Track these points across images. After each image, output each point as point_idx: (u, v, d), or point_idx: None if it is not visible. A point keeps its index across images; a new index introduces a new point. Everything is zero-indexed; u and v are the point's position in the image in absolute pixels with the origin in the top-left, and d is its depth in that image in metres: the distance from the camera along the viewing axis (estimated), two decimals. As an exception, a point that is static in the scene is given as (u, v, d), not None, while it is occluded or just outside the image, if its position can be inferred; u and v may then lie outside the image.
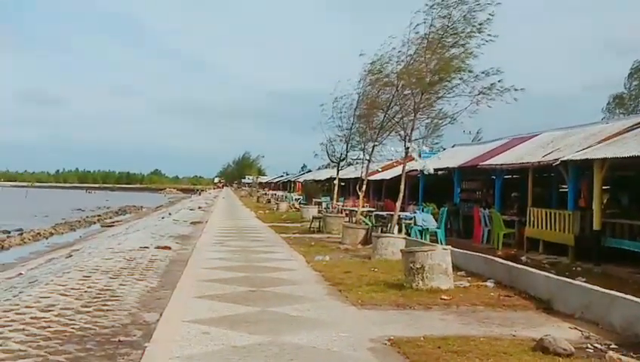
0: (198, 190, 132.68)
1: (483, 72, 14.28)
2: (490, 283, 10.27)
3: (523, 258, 14.15)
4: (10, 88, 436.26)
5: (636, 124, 15.38)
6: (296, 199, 47.99)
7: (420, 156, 23.40)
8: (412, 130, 15.61)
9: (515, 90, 13.99)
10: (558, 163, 14.84)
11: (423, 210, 20.10)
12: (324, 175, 48.07)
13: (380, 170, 27.21)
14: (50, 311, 7.95)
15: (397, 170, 23.52)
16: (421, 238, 16.71)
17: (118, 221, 40.83)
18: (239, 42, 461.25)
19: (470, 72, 14.45)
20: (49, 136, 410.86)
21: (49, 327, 7.06)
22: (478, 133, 54.24)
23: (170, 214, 36.72)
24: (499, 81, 14.08)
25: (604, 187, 15.21)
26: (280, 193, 64.21)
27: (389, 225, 15.55)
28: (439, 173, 22.37)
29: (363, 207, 21.84)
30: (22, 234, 28.40)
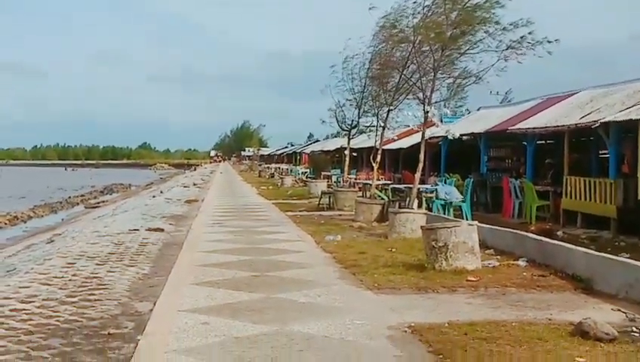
0: (192, 165, 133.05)
1: (511, 24, 14.14)
2: (522, 262, 10.28)
3: (559, 233, 14.14)
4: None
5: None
6: (302, 173, 48.10)
7: (441, 121, 23.35)
8: (432, 91, 15.53)
9: (549, 42, 13.86)
10: (597, 125, 14.73)
11: (445, 182, 20.05)
12: (333, 145, 48.09)
13: (396, 138, 27.08)
14: (31, 302, 8.02)
15: (415, 138, 23.51)
16: (444, 213, 16.73)
17: (104, 201, 40.97)
18: (237, 1, 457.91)
19: (497, 23, 14.32)
20: (25, 109, 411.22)
21: (30, 320, 7.12)
22: (507, 93, 54.05)
23: (161, 192, 36.87)
24: (529, 33, 13.94)
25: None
26: (284, 166, 64.31)
27: (408, 199, 15.54)
28: (464, 138, 22.29)
29: (378, 179, 21.83)
30: (-3, 218, 28.53)
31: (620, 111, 14.47)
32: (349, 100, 24.42)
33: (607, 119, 14.45)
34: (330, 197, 23.15)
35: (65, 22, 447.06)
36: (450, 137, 20.02)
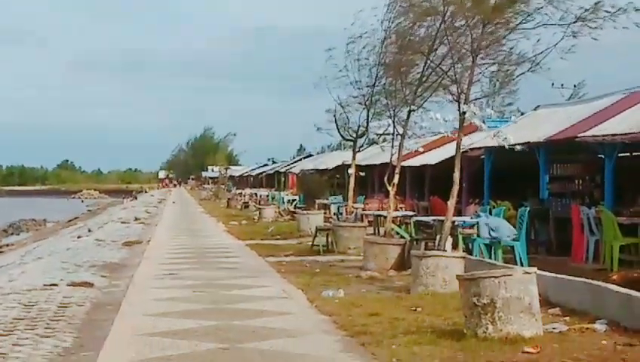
0: (134, 191, 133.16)
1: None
2: (600, 326, 10.27)
3: (653, 283, 14.15)
4: None
5: None
6: (289, 201, 48.18)
7: (484, 124, 23.42)
8: (470, 83, 15.58)
9: (636, 10, 13.92)
10: None
11: (491, 212, 20.07)
12: (332, 161, 48.24)
13: (421, 149, 27.17)
14: None
15: (448, 150, 23.53)
16: (489, 257, 16.71)
17: (8, 245, 40.91)
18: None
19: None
20: None
21: None
22: (577, 87, 54.23)
23: (90, 231, 36.83)
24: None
25: None
26: (263, 192, 64.41)
27: (438, 237, 15.56)
28: (516, 149, 22.37)
29: (396, 209, 21.86)
30: None
31: None
32: (355, 98, 24.48)
33: None
34: (328, 236, 23.14)
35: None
36: (502, 144, 19.89)
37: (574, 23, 14.27)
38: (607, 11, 13.97)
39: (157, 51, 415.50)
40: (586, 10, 14.13)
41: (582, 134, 19.65)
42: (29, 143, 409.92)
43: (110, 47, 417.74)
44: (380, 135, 25.67)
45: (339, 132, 27.09)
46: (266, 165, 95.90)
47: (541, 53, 15.02)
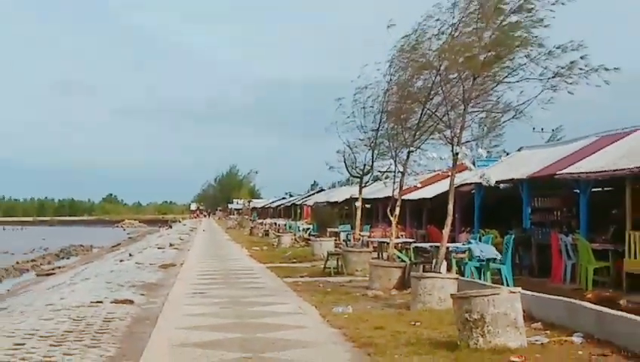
0: (168, 221, 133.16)
1: (559, 47, 14.20)
2: (577, 338, 10.22)
3: (622, 301, 14.05)
4: None
5: None
6: (304, 229, 48.11)
7: (474, 164, 23.47)
8: (462, 128, 15.57)
9: (606, 69, 13.87)
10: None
11: (480, 239, 20.01)
12: (341, 195, 48.25)
13: (419, 185, 27.16)
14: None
15: (443, 185, 23.50)
16: (479, 278, 16.66)
17: (59, 267, 40.88)
18: (222, 20, 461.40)
19: (540, 46, 14.39)
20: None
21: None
22: (555, 131, 54.27)
23: (131, 255, 36.80)
24: (582, 58, 13.97)
25: None
26: (281, 222, 64.35)
27: (435, 261, 15.51)
28: (501, 186, 22.34)
29: (397, 237, 21.82)
30: None
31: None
32: (361, 140, 24.49)
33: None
34: (338, 260, 23.08)
35: (8, 48, 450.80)
36: (485, 184, 20.04)
37: (552, 78, 14.29)
38: (581, 69, 14.00)
39: (187, 99, 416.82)
40: (562, 67, 14.17)
41: (560, 172, 19.66)
42: (79, 180, 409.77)
43: (144, 96, 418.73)
44: (383, 172, 25.72)
45: (347, 170, 27.08)
46: (284, 198, 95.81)
47: (524, 103, 15.03)
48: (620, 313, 10.58)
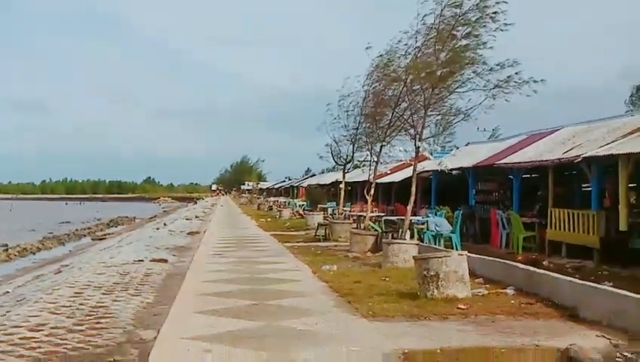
0: (194, 198, 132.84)
1: (498, 64, 14.21)
2: (510, 291, 10.25)
3: (545, 262, 14.12)
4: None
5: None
6: (299, 205, 48.08)
7: (432, 155, 23.48)
8: (422, 127, 15.60)
9: (535, 82, 13.88)
10: (580, 160, 14.81)
11: (436, 214, 20.06)
12: (329, 179, 48.17)
13: (388, 171, 27.21)
14: (40, 330, 7.97)
15: (407, 172, 23.59)
16: (435, 244, 16.72)
17: (109, 233, 40.85)
18: (240, 41, 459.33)
19: (484, 63, 14.39)
20: (35, 146, 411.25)
21: (39, 348, 7.07)
22: (494, 130, 54.21)
23: (165, 225, 36.76)
24: (516, 73, 13.98)
25: (630, 185, 15.16)
26: (282, 199, 64.34)
27: (400, 230, 15.55)
28: (453, 172, 22.38)
29: (371, 212, 21.82)
30: (7, 249, 28.41)
31: (601, 147, 14.56)
32: (344, 136, 24.49)
33: (588, 154, 14.53)
34: (326, 229, 23.12)
35: (74, 63, 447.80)
36: (443, 168, 20.08)
37: (493, 89, 14.31)
38: (515, 82, 14.01)
39: (210, 103, 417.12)
40: (501, 81, 14.19)
41: (498, 162, 19.71)
42: (126, 165, 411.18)
43: (176, 101, 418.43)
44: (361, 162, 25.68)
45: (334, 159, 27.01)
46: (284, 181, 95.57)
47: (471, 108, 15.15)
48: (543, 271, 10.63)
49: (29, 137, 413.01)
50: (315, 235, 23.19)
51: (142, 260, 15.95)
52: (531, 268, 10.83)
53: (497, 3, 13.85)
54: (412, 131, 16.13)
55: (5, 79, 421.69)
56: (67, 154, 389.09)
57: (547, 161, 16.74)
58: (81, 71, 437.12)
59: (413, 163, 16.23)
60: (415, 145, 15.80)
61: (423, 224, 18.43)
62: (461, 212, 19.04)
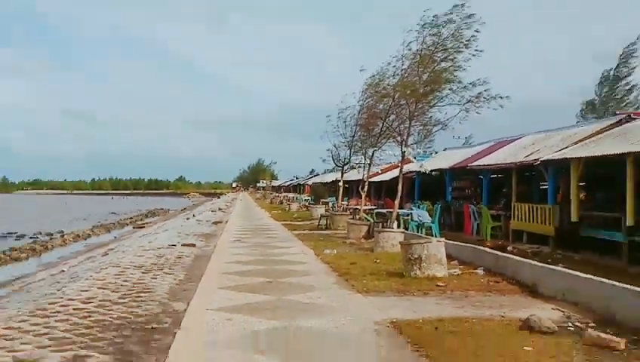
0: (218, 194, 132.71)
1: (470, 83, 14.19)
2: (480, 271, 10.27)
3: (509, 248, 14.10)
4: (52, 108, 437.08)
5: (607, 127, 15.36)
6: (305, 200, 48.08)
7: (415, 158, 23.46)
8: (407, 135, 15.61)
9: (501, 98, 13.89)
10: (538, 163, 14.82)
11: (418, 207, 20.05)
12: (330, 178, 48.10)
13: (379, 171, 27.23)
14: (90, 302, 8.00)
15: (395, 172, 23.53)
16: (418, 232, 16.70)
17: (147, 223, 40.84)
18: (255, 63, 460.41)
19: (459, 82, 14.36)
20: (86, 149, 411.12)
21: (90, 317, 7.10)
22: (467, 138, 54.04)
23: (193, 216, 36.83)
24: (485, 91, 13.96)
25: (580, 183, 15.15)
26: (291, 195, 64.24)
27: (389, 221, 15.54)
28: (433, 173, 22.35)
29: (365, 205, 21.84)
30: (63, 236, 28.51)
31: (556, 152, 14.57)
32: (343, 143, 24.53)
33: (545, 158, 14.53)
34: (327, 220, 23.12)
35: (120, 80, 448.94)
36: (423, 170, 20.10)
37: (466, 103, 14.29)
38: (485, 98, 14.01)
39: (231, 115, 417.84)
40: (473, 97, 14.17)
41: (470, 164, 19.70)
42: (161, 166, 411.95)
43: (206, 112, 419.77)
44: (357, 164, 25.67)
45: (334, 162, 27.00)
46: (292, 180, 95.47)
47: (447, 120, 15.08)
48: (507, 255, 10.64)
49: (82, 142, 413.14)
50: (318, 225, 23.18)
51: (174, 245, 15.99)
52: (498, 253, 10.85)
53: (472, 34, 13.89)
54: (399, 138, 16.12)
55: (64, 94, 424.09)
56: (113, 156, 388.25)
57: (511, 163, 16.73)
58: (125, 87, 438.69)
59: (399, 165, 16.21)
60: (401, 150, 15.82)
61: (407, 216, 18.42)
62: (439, 206, 19.03)
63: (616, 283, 7.03)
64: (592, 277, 7.59)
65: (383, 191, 30.46)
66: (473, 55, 13.95)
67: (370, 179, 22.56)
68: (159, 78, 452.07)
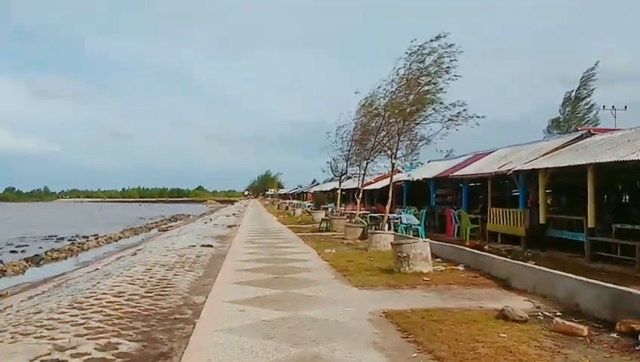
0: (232, 201, 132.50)
1: (451, 104, 14.26)
2: (460, 267, 10.25)
3: (485, 247, 14.08)
4: (88, 126, 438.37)
5: (570, 141, 15.40)
6: (308, 206, 48.00)
7: (403, 169, 23.46)
8: (396, 149, 15.65)
9: (477, 117, 13.96)
10: (510, 172, 14.82)
11: (406, 212, 20.03)
12: (329, 186, 48.20)
13: (372, 181, 27.22)
14: (121, 296, 7.98)
15: (385, 181, 23.51)
16: (406, 233, 16.67)
17: (171, 226, 40.84)
18: (263, 86, 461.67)
19: (441, 103, 14.43)
20: (117, 162, 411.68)
21: (121, 309, 7.09)
22: (449, 151, 54.10)
23: (210, 220, 36.77)
24: (464, 110, 14.05)
25: (547, 190, 15.14)
26: (295, 201, 64.13)
27: (381, 223, 15.54)
28: (418, 180, 22.35)
29: (360, 210, 21.82)
30: (97, 238, 28.52)
31: (526, 163, 14.57)
32: (340, 156, 24.59)
33: (517, 168, 14.54)
34: (327, 223, 23.06)
35: (149, 102, 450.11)
36: (411, 179, 20.08)
37: (447, 121, 14.34)
38: (463, 117, 14.05)
39: (243, 132, 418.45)
40: (453, 115, 14.22)
41: (451, 174, 19.69)
42: (182, 177, 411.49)
43: (221, 129, 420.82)
44: (353, 174, 25.76)
45: (332, 172, 27.12)
46: (296, 188, 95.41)
47: (431, 135, 15.14)
48: (484, 253, 10.63)
49: (114, 155, 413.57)
50: (319, 228, 23.11)
51: (194, 245, 15.97)
52: (476, 251, 10.84)
53: (450, 60, 13.95)
54: (389, 152, 16.15)
55: (99, 113, 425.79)
56: (140, 168, 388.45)
57: (487, 173, 16.73)
58: (152, 108, 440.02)
59: (390, 175, 16.23)
60: (391, 162, 15.86)
61: (397, 219, 18.39)
62: (425, 210, 19.03)
63: (580, 278, 7.02)
64: (559, 272, 7.58)
65: (375, 198, 30.45)
66: (452, 79, 14.03)
67: (364, 188, 22.55)
68: (182, 100, 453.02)
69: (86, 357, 5.14)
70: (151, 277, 9.77)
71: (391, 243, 10.98)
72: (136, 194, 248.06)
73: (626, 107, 30.91)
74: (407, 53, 14.28)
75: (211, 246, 15.90)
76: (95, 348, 5.38)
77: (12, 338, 5.85)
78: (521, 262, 9.05)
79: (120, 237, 30.07)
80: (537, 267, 8.34)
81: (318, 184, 76.22)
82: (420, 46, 14.09)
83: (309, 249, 14.80)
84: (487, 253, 10.57)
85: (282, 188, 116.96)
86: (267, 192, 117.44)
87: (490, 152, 20.11)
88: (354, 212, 22.01)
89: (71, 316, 6.75)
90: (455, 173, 19.44)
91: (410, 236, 15.19)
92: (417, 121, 15.19)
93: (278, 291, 8.20)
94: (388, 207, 15.64)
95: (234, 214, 44.52)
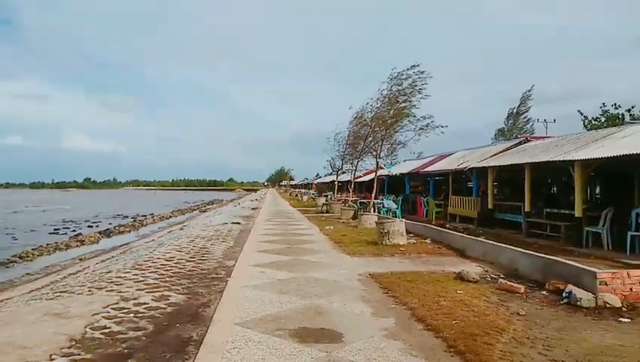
0: (255, 190, 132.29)
1: (422, 117, 14.27)
2: (428, 241, 10.24)
3: (447, 226, 14.04)
4: (147, 133, 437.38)
5: (512, 146, 15.31)
6: (312, 194, 47.92)
7: (385, 166, 23.35)
8: (380, 151, 15.62)
9: (442, 127, 13.98)
10: (467, 169, 14.76)
11: (387, 198, 19.97)
12: (329, 179, 47.93)
13: (362, 175, 27.10)
14: (171, 260, 8.01)
15: (371, 175, 23.44)
16: (387, 215, 16.64)
17: (208, 208, 40.83)
18: (277, 102, 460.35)
19: (414, 116, 14.43)
20: (168, 160, 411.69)
21: (171, 270, 7.12)
22: (419, 153, 53.74)
23: (239, 204, 36.76)
24: (431, 122, 14.05)
25: (494, 183, 15.08)
26: (303, 190, 64.01)
27: (368, 207, 15.51)
28: (396, 175, 22.26)
29: (352, 197, 21.75)
30: (153, 216, 28.51)
31: (479, 162, 14.49)
32: (337, 155, 24.47)
33: (471, 166, 14.46)
34: (327, 206, 23.03)
35: (193, 114, 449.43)
36: (391, 174, 19.98)
37: (419, 130, 14.33)
38: (431, 127, 14.05)
39: (263, 137, 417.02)
40: (423, 125, 14.20)
41: (422, 170, 19.59)
42: (217, 171, 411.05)
43: (246, 136, 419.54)
44: (347, 169, 25.62)
45: (331, 168, 27.11)
46: (304, 180, 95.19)
47: (406, 141, 15.10)
48: (446, 230, 10.60)
49: (166, 155, 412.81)
50: (321, 210, 23.08)
51: (226, 223, 15.97)
52: (440, 228, 10.81)
53: (422, 83, 13.91)
54: (374, 153, 16.11)
55: (155, 123, 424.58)
56: (186, 165, 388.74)
57: (448, 169, 16.65)
58: (196, 119, 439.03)
59: (375, 171, 16.18)
60: (376, 161, 15.82)
61: (380, 204, 18.34)
62: (401, 197, 18.95)
63: (519, 249, 7.02)
64: (502, 244, 7.58)
65: (364, 188, 30.35)
66: (423, 98, 14.00)
67: (355, 180, 22.51)
68: (220, 113, 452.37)
69: (145, 305, 5.17)
70: (194, 246, 9.80)
71: (375, 222, 10.99)
72: (183, 183, 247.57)
73: (554, 120, 31.13)
74: (388, 78, 14.29)
75: (239, 223, 15.91)
76: (152, 299, 5.41)
77: (89, 291, 5.88)
78: (474, 237, 9.04)
79: (170, 216, 30.06)
80: (486, 241, 8.33)
81: (320, 177, 75.83)
82: (398, 73, 14.09)
83: (313, 226, 14.79)
84: (448, 230, 10.55)
85: (293, 180, 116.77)
86: (281, 183, 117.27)
87: (451, 154, 20.01)
88: (348, 198, 21.96)
89: (133, 275, 6.78)
90: (424, 170, 19.36)
91: (390, 217, 15.17)
92: (396, 130, 15.18)
93: (289, 257, 8.21)
94: (373, 195, 15.62)
95: (256, 200, 44.48)
